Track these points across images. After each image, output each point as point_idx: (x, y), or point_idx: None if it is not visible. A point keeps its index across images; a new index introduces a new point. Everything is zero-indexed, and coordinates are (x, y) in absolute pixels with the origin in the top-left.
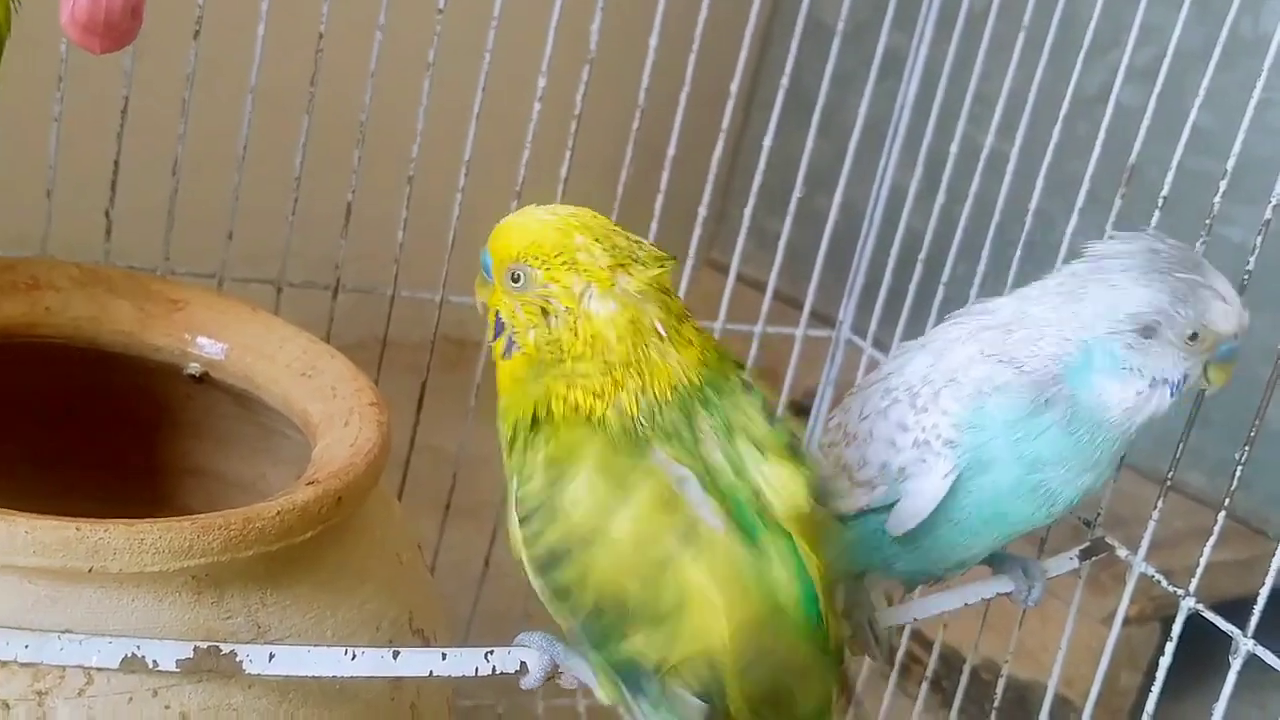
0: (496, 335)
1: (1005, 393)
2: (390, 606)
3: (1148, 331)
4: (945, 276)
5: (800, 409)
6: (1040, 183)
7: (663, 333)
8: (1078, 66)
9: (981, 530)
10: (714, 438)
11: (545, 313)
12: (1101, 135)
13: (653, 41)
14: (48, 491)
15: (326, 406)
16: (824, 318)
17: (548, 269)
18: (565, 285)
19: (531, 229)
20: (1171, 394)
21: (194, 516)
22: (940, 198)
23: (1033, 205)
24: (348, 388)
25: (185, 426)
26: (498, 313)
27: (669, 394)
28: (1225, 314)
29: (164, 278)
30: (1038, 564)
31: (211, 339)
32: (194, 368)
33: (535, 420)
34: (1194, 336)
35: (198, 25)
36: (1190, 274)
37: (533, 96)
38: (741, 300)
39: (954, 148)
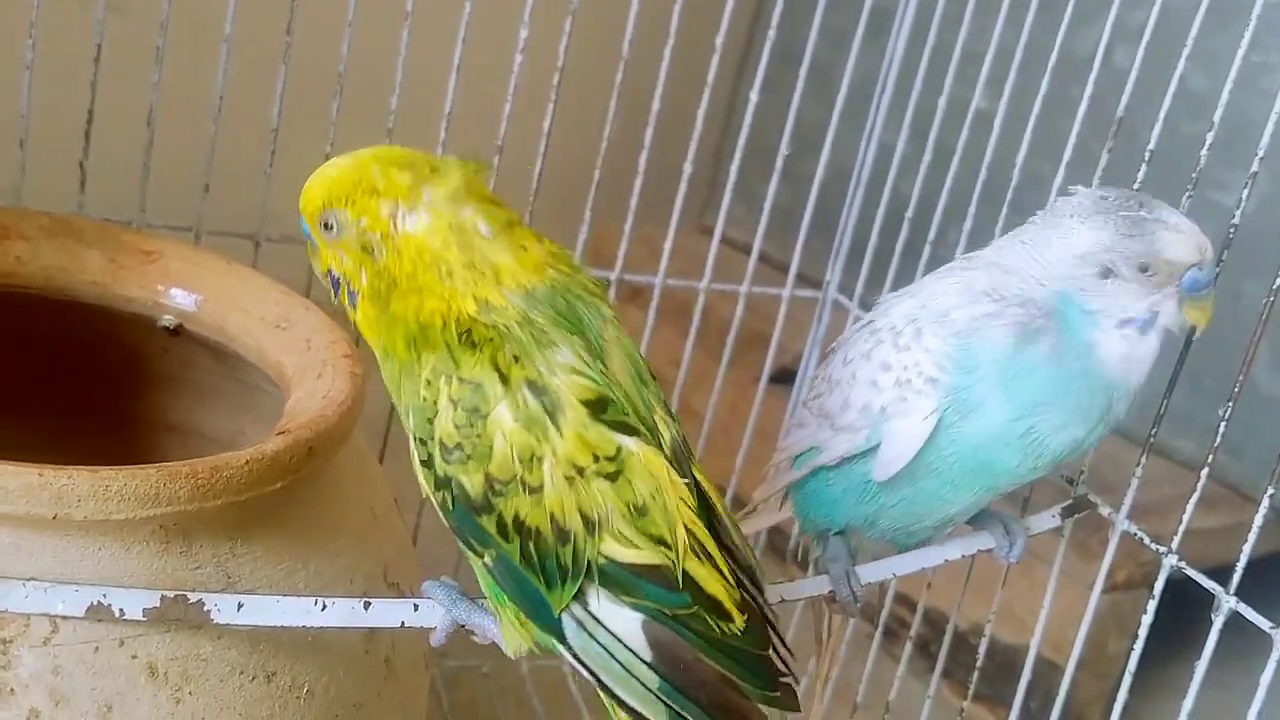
0: (336, 293)
1: (992, 325)
2: (364, 560)
3: (1104, 273)
4: (931, 235)
5: (788, 375)
6: (1027, 140)
7: (486, 232)
8: (1063, 26)
9: (966, 481)
10: (601, 339)
11: (366, 249)
12: (1089, 90)
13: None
14: (26, 444)
15: (300, 359)
16: (812, 280)
17: (353, 205)
18: (374, 213)
19: (329, 175)
20: (1142, 331)
21: (161, 464)
22: (927, 156)
23: (1019, 162)
24: (322, 339)
25: (163, 381)
26: (330, 270)
27: (532, 287)
28: (1174, 241)
29: (137, 229)
30: (1019, 521)
31: (185, 290)
32: (168, 320)
33: (415, 349)
34: (1146, 268)
35: None
36: (1136, 211)
37: (514, 48)
38: (730, 264)
39: (941, 103)
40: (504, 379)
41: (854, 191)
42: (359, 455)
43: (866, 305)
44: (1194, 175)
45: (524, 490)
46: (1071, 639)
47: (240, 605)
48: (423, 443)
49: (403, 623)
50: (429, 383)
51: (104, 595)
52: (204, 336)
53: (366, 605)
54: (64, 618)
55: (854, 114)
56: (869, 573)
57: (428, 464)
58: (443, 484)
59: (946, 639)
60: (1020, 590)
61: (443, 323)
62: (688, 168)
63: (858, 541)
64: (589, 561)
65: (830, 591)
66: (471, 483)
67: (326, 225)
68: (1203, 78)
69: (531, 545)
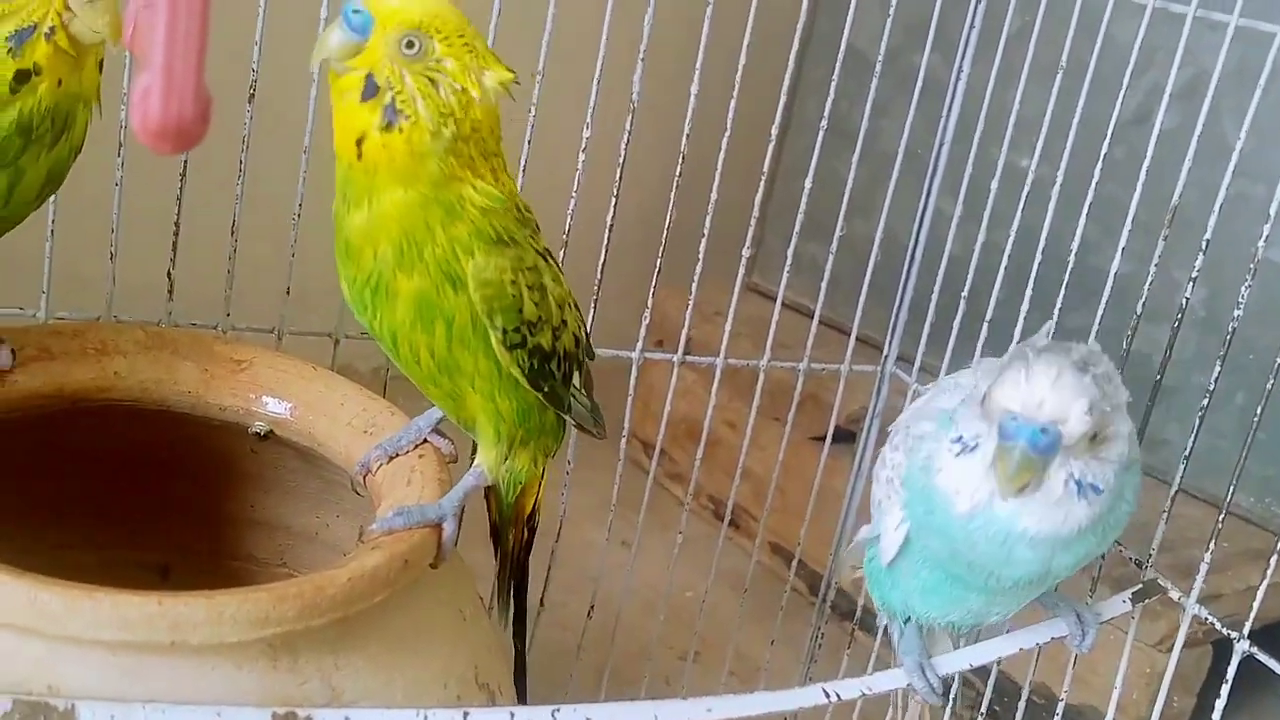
0: (366, 95)
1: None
2: (456, 663)
3: (967, 400)
4: (991, 308)
5: (842, 434)
6: (1086, 209)
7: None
8: (1122, 88)
9: (957, 594)
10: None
11: (434, 84)
12: (1148, 161)
13: (693, 89)
14: (117, 542)
15: (388, 465)
16: (869, 341)
17: (448, 44)
18: (462, 63)
19: (436, 6)
20: (962, 451)
21: (269, 586)
22: (983, 232)
23: (1078, 233)
24: (429, 473)
25: (249, 479)
26: (370, 75)
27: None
28: (1009, 384)
29: (227, 339)
30: (1091, 609)
31: (276, 398)
32: (259, 426)
33: (437, 210)
34: (983, 400)
35: (252, 90)
36: (1028, 355)
37: (578, 146)
38: (782, 323)
39: (998, 168)
40: (541, 256)
41: (909, 262)
42: (455, 559)
43: (929, 371)
44: (1255, 249)
45: (565, 328)
46: (1134, 698)
47: (346, 719)
48: (516, 330)
49: None
50: (513, 281)
51: (218, 714)
52: (293, 440)
53: (465, 715)
54: None
55: (900, 178)
56: (945, 664)
57: (520, 345)
58: (534, 352)
59: (1021, 706)
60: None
61: (486, 206)
62: (747, 245)
63: (926, 627)
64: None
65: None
66: (545, 340)
67: (409, 44)
68: (1247, 138)
69: (567, 364)
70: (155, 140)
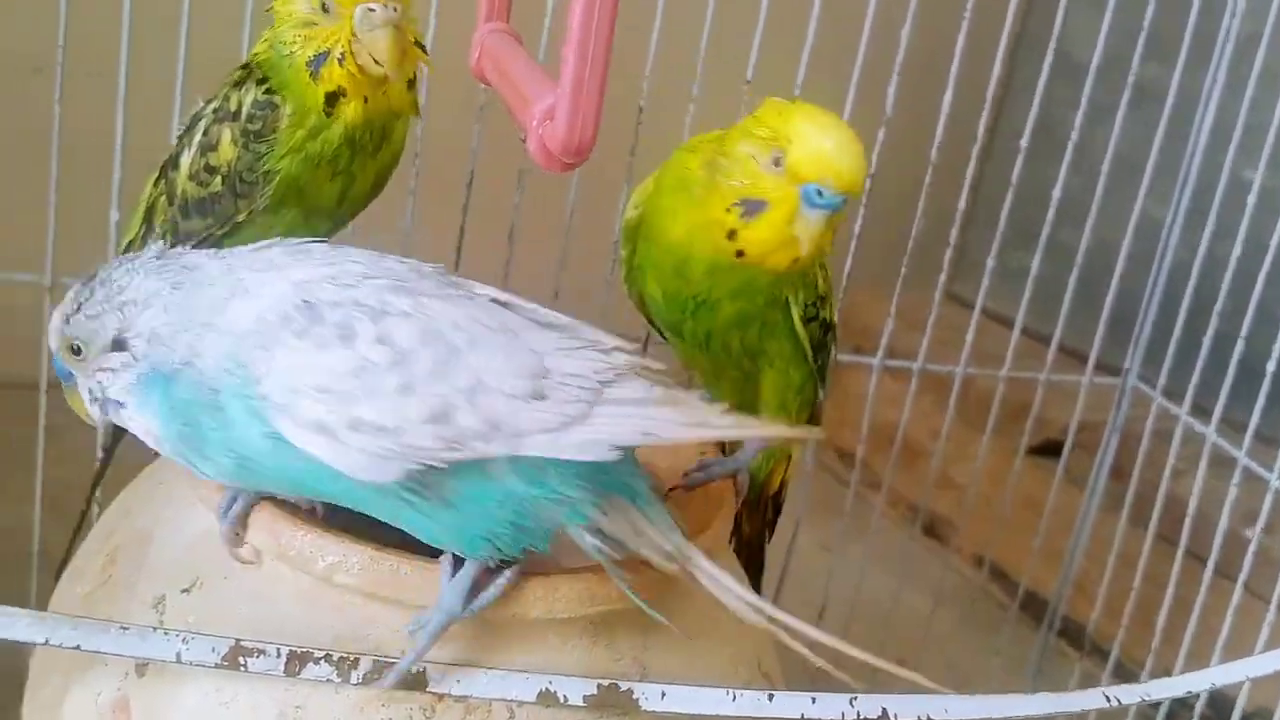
0: (750, 215)
1: None
2: (745, 650)
3: None
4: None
5: (1053, 447)
6: None
7: None
8: None
9: None
10: None
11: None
12: None
13: (947, 99)
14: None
15: (671, 462)
16: (1073, 352)
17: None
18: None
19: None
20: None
21: (594, 567)
22: (1238, 248)
23: None
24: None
25: None
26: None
27: None
28: None
29: None
30: None
31: None
32: None
33: None
34: None
35: None
36: None
37: None
38: (981, 332)
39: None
40: None
41: (1156, 275)
42: (726, 550)
43: (1172, 395)
44: None
45: (827, 305)
46: None
47: (663, 694)
48: (811, 304)
49: (802, 715)
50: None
51: (550, 682)
52: None
53: (770, 697)
54: (519, 703)
55: (1113, 186)
56: (1222, 675)
57: (814, 318)
58: (822, 325)
59: None
60: None
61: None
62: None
63: None
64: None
65: None
66: (827, 314)
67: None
68: None
69: (833, 340)
70: (552, 161)
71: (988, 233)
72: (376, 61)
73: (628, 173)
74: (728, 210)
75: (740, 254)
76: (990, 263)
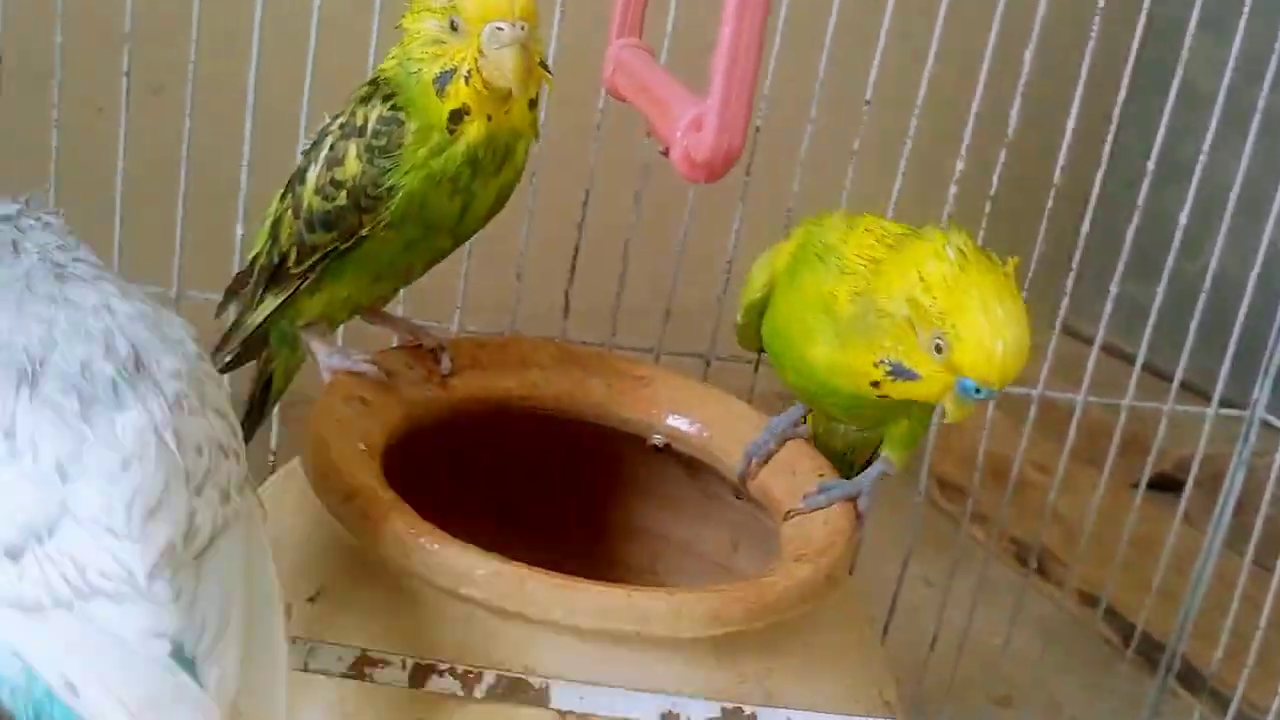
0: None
1: None
2: (866, 681)
3: None
4: None
5: (1169, 482)
6: None
7: None
8: None
9: None
10: None
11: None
12: None
13: (1070, 124)
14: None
15: (789, 484)
16: (1191, 386)
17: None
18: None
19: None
20: None
21: (719, 587)
22: None
23: None
24: (806, 465)
25: (636, 489)
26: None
27: None
28: None
29: (627, 357)
30: None
31: (679, 414)
32: (658, 439)
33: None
34: None
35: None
36: None
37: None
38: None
39: None
40: None
41: None
42: (850, 582)
43: None
44: None
45: None
46: None
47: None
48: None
49: None
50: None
51: (673, 704)
52: (686, 453)
53: None
54: None
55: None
56: None
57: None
58: None
59: None
60: None
61: None
62: (1071, 275)
63: None
64: None
65: None
66: None
67: (938, 348)
68: None
69: None
70: (696, 170)
71: (1098, 261)
72: (502, 80)
73: (742, 190)
74: (876, 365)
75: (883, 396)
76: (1113, 289)
